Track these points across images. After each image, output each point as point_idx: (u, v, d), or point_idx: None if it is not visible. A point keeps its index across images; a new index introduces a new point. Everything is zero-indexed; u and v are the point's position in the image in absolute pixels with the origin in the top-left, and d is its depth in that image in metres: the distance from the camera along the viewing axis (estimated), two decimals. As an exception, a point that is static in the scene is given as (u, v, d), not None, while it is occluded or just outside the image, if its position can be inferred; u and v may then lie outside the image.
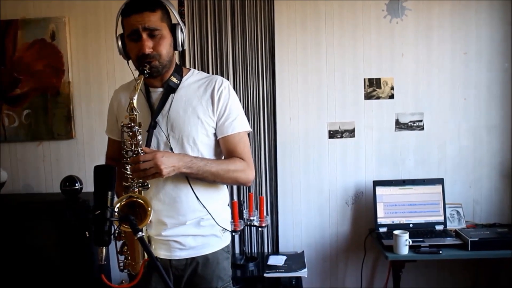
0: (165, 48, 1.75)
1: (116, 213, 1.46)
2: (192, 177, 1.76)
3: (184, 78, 1.86)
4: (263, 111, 3.18)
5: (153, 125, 1.77)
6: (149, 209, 1.66)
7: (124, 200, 1.67)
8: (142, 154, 1.66)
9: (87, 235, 1.42)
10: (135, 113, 1.68)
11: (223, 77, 3.05)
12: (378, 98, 3.17)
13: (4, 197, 3.07)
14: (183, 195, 1.80)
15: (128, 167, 1.69)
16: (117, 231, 1.61)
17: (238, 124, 1.84)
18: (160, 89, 1.83)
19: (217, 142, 1.86)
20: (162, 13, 1.74)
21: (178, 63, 1.89)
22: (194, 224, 1.82)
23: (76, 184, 2.90)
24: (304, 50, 3.15)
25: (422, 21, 3.13)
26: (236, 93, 3.08)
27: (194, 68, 3.12)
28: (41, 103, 3.16)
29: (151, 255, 1.40)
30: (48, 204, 2.89)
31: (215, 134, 1.84)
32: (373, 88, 3.16)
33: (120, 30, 1.79)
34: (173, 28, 1.78)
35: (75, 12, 3.14)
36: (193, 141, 1.79)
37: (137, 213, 1.69)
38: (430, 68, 3.15)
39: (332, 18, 3.13)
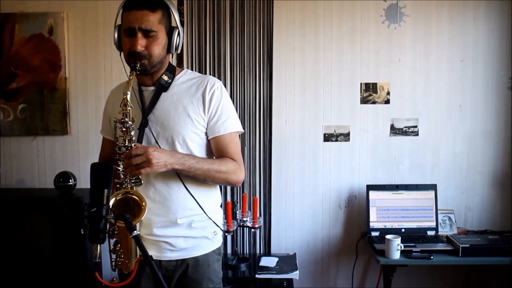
0: (157, 49, 1.74)
1: (111, 211, 1.46)
2: (183, 175, 1.76)
3: (176, 77, 1.86)
4: (259, 112, 3.19)
5: (144, 123, 1.77)
6: (144, 204, 1.66)
7: (120, 195, 1.67)
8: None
9: (82, 233, 1.42)
10: (128, 108, 1.68)
11: (221, 77, 3.13)
12: (374, 102, 3.18)
13: (-3, 192, 3.06)
14: (173, 193, 1.79)
15: (121, 163, 1.69)
16: (111, 229, 1.60)
17: (230, 124, 1.83)
18: (152, 88, 1.83)
19: (208, 142, 1.85)
20: (162, 14, 1.73)
21: (172, 63, 1.89)
22: (186, 225, 1.82)
23: (70, 180, 2.89)
24: (302, 52, 3.16)
25: (420, 27, 3.14)
26: (233, 93, 3.14)
27: (192, 67, 3.12)
28: (37, 98, 3.15)
29: (145, 254, 1.40)
30: (41, 200, 2.88)
31: (206, 134, 1.84)
32: (369, 92, 3.17)
33: (119, 21, 1.79)
34: (170, 31, 1.78)
35: (74, 7, 3.14)
36: (182, 139, 1.78)
37: (130, 208, 1.69)
38: (426, 74, 3.17)
39: (330, 21, 3.15)
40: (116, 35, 1.79)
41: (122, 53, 1.81)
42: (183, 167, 1.71)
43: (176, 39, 1.79)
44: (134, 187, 1.71)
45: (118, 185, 1.71)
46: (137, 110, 1.78)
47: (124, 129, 1.67)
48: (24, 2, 3.12)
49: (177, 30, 1.78)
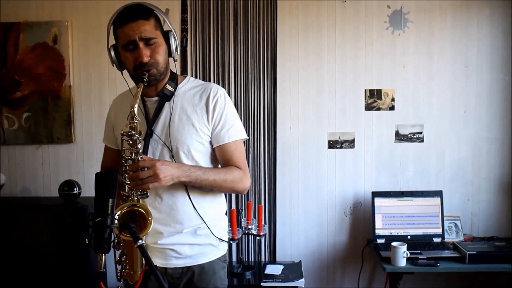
0: (162, 55, 1.75)
1: (116, 221, 1.45)
2: (190, 186, 1.76)
3: (179, 86, 1.86)
4: (264, 119, 3.18)
5: (149, 134, 1.78)
6: (150, 218, 1.64)
7: (125, 208, 1.66)
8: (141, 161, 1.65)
9: (87, 242, 1.41)
10: (136, 121, 1.68)
11: (225, 84, 3.13)
12: (379, 109, 3.17)
13: (2, 200, 3.05)
14: (179, 203, 1.79)
15: (127, 175, 1.68)
16: (116, 239, 1.60)
17: (234, 132, 1.83)
18: (155, 98, 1.83)
19: (212, 150, 1.85)
20: (155, 20, 1.74)
21: (176, 71, 1.89)
22: (191, 232, 1.82)
23: (75, 189, 2.89)
24: (305, 59, 3.16)
25: (424, 33, 3.14)
26: (237, 100, 3.14)
27: (196, 75, 3.13)
28: (41, 107, 3.16)
29: (150, 264, 1.39)
30: (46, 208, 2.88)
31: (210, 142, 1.84)
32: (374, 99, 3.16)
33: (111, 41, 1.78)
34: (166, 35, 1.78)
35: (78, 16, 3.15)
36: (187, 149, 1.78)
37: (137, 222, 1.68)
38: (431, 80, 3.16)
39: (334, 28, 3.14)
40: (113, 54, 1.79)
41: (122, 71, 1.82)
42: (190, 179, 1.71)
43: (173, 42, 1.79)
44: (141, 200, 1.71)
45: (124, 197, 1.71)
46: (142, 121, 1.78)
47: (131, 141, 1.67)
48: (28, 11, 3.14)
49: (172, 33, 1.79)
